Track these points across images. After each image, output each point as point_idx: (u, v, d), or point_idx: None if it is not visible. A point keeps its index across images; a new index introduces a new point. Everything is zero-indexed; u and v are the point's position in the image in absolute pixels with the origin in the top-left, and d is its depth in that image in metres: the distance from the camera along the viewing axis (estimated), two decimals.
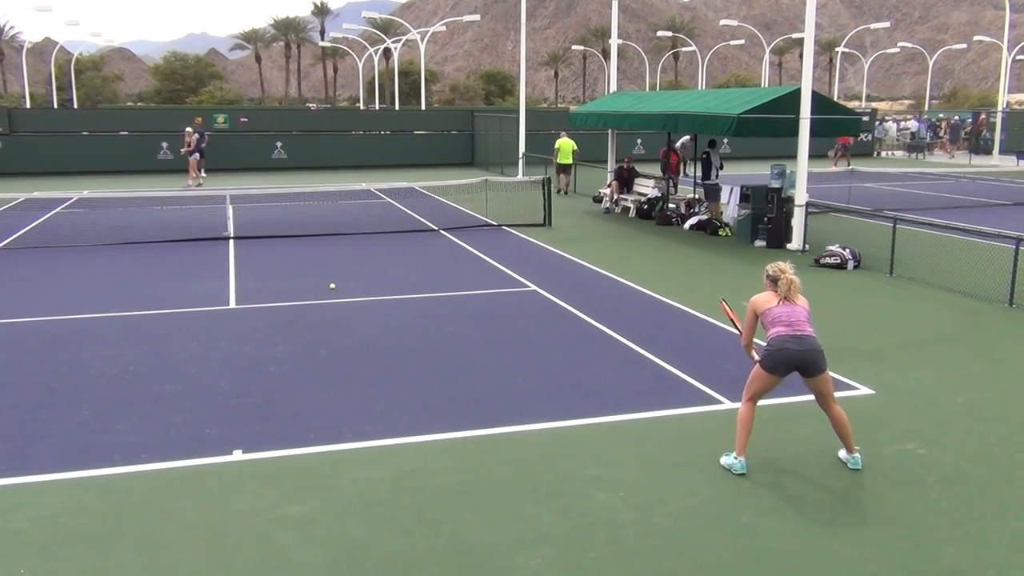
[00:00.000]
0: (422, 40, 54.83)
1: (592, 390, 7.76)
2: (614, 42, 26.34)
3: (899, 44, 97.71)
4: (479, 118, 35.79)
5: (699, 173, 20.01)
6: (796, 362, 5.91)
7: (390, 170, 31.61)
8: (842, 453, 6.22)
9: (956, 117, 49.69)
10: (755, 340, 6.31)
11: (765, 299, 6.10)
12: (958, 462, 6.24)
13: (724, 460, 6.15)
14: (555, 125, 30.47)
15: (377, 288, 12.08)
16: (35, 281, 12.59)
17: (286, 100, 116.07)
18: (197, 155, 26.30)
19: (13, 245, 15.73)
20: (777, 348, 5.90)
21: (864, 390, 7.75)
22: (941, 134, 44.68)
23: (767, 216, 15.61)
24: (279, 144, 33.06)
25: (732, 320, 6.62)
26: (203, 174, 28.34)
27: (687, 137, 21.66)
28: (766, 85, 72.69)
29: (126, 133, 33.33)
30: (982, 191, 24.90)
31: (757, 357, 6.11)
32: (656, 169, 23.08)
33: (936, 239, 14.92)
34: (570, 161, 24.80)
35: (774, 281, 6.09)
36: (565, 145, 24.87)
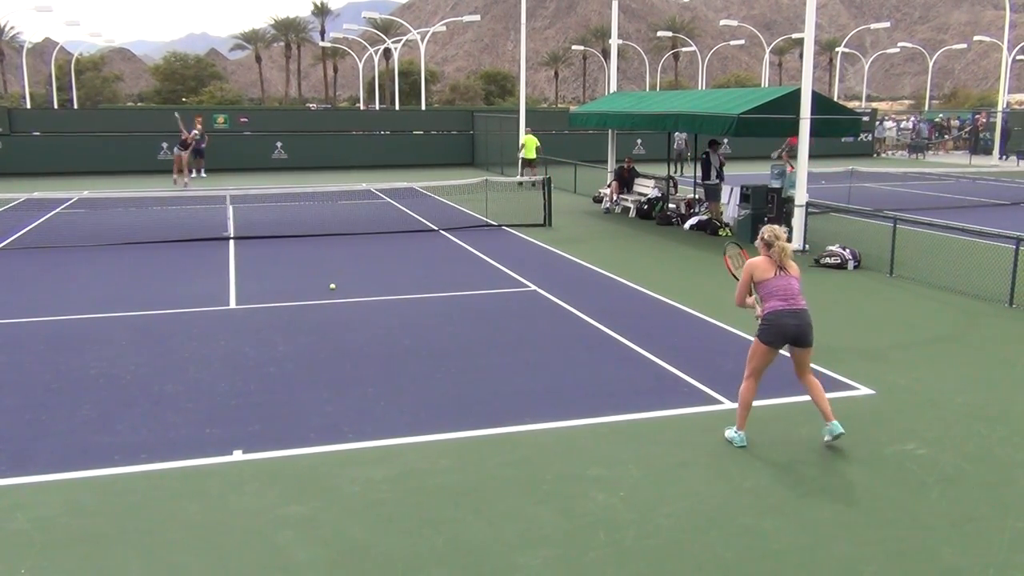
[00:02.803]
0: (422, 40, 54.83)
1: (592, 390, 7.77)
2: (614, 42, 26.31)
3: (899, 44, 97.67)
4: (479, 118, 35.78)
5: (699, 173, 20.02)
6: (792, 335, 6.23)
7: (390, 170, 31.61)
8: (823, 431, 6.38)
9: (941, 116, 50.32)
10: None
11: (763, 268, 6.32)
12: (958, 462, 6.24)
13: (727, 433, 6.49)
14: (555, 125, 30.44)
15: (377, 288, 12.09)
16: (35, 281, 12.59)
17: (286, 100, 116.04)
18: (183, 152, 26.26)
19: (13, 245, 15.73)
20: (776, 323, 6.20)
21: (864, 390, 7.75)
22: (946, 135, 44.77)
23: (767, 216, 15.61)
24: (279, 144, 33.06)
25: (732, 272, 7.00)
26: (203, 175, 28.32)
27: (685, 134, 21.71)
28: (766, 85, 72.69)
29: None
30: (982, 191, 24.90)
31: (758, 310, 6.31)
32: (655, 168, 23.10)
33: (936, 239, 14.92)
34: (534, 156, 26.29)
35: (768, 246, 6.34)
36: (530, 142, 26.44)
